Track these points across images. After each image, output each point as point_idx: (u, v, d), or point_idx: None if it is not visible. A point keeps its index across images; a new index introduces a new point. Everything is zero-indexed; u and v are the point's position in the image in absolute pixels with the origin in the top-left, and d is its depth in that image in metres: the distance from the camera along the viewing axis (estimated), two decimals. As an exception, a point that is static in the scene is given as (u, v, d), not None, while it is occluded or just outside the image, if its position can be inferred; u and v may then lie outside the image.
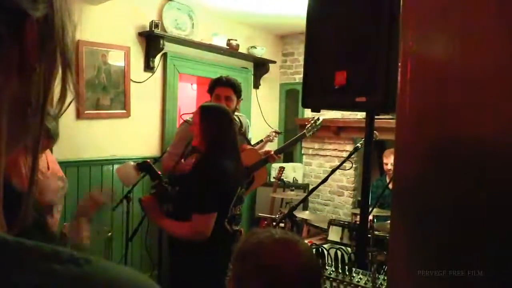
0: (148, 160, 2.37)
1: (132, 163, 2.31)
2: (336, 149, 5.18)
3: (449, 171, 0.94)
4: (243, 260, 1.14)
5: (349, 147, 4.88)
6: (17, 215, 0.38)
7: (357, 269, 1.86)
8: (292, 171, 5.31)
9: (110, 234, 3.17)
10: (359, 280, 1.77)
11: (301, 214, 3.84)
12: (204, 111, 2.29)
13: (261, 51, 5.07)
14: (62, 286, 0.29)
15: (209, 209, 2.15)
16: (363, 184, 2.07)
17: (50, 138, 1.77)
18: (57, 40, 0.37)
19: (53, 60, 0.37)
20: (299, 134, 3.76)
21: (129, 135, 3.92)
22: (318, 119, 3.66)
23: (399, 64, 0.98)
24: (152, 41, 3.97)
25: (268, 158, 3.58)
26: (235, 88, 3.17)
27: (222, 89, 3.16)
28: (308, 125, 3.67)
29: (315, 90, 2.00)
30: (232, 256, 1.18)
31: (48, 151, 2.03)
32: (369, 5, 1.78)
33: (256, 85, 5.30)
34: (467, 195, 0.90)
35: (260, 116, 5.32)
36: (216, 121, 2.25)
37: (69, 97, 0.40)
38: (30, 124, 0.37)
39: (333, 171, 2.63)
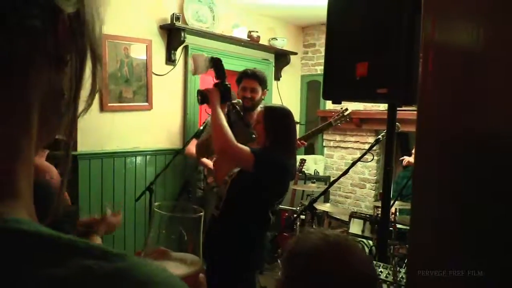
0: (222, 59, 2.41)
1: (207, 56, 2.36)
2: (358, 141, 5.13)
3: (473, 166, 0.92)
4: (294, 262, 1.06)
5: (371, 139, 4.82)
6: (45, 207, 0.39)
7: (378, 262, 1.84)
8: (314, 164, 5.28)
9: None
10: (380, 273, 1.76)
11: (322, 207, 3.83)
12: (268, 112, 2.36)
13: (282, 43, 5.03)
14: (95, 281, 0.29)
15: (256, 160, 2.14)
16: (385, 176, 2.04)
17: None
18: (87, 35, 0.38)
19: (83, 55, 0.38)
20: (324, 123, 3.80)
21: (151, 127, 3.96)
22: (346, 109, 3.67)
23: (421, 54, 0.96)
24: (173, 34, 3.99)
25: None
26: (260, 80, 3.24)
27: (248, 81, 3.26)
28: (335, 115, 3.70)
29: (336, 81, 1.98)
30: (282, 257, 1.12)
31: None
32: (391, -6, 1.74)
33: (277, 77, 5.28)
34: (491, 192, 0.88)
35: (281, 108, 5.30)
36: (280, 122, 2.33)
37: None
38: (64, 116, 0.38)
39: (353, 163, 2.61)
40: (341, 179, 2.85)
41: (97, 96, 0.44)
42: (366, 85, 1.80)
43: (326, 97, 2.12)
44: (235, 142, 2.17)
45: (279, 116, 2.35)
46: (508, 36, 0.86)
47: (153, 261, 0.69)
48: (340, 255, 1.02)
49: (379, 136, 2.68)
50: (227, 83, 2.33)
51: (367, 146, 4.43)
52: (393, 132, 2.00)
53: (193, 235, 0.72)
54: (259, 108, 2.67)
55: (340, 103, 2.19)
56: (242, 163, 2.19)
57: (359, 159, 2.69)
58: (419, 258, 1.02)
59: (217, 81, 2.32)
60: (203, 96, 2.28)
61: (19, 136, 0.35)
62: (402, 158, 4.19)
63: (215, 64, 2.33)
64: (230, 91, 2.33)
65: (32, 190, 0.37)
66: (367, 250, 1.90)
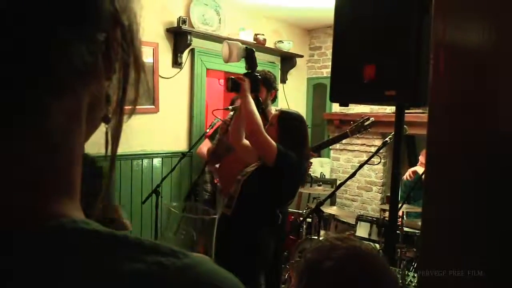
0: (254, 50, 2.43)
1: (242, 45, 2.37)
2: (364, 144, 5.10)
3: (485, 167, 0.91)
4: (317, 276, 0.99)
5: (378, 142, 4.80)
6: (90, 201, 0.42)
7: (386, 266, 1.82)
8: (320, 166, 5.27)
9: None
10: (388, 276, 1.74)
11: (329, 210, 3.82)
12: (283, 116, 2.43)
13: (288, 46, 5.03)
14: (170, 275, 0.33)
15: (280, 154, 2.20)
16: (393, 179, 2.02)
17: None
18: (133, 45, 0.41)
19: (129, 64, 0.41)
20: (340, 133, 3.52)
21: (158, 130, 3.97)
22: (367, 119, 3.14)
23: (431, 56, 0.95)
24: (179, 37, 4.01)
25: None
26: (262, 80, 3.19)
27: None
28: (353, 125, 3.23)
29: (343, 84, 1.97)
30: (299, 265, 1.06)
31: None
32: (399, -4, 1.73)
33: (283, 80, 5.28)
34: (503, 193, 0.87)
35: (287, 111, 5.29)
36: (295, 126, 2.40)
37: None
38: (111, 121, 0.42)
39: (361, 166, 2.59)
40: (347, 182, 2.84)
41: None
42: (374, 87, 1.79)
43: (333, 100, 2.11)
44: (264, 130, 2.24)
45: (294, 120, 2.41)
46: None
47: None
48: (368, 270, 0.98)
49: (387, 139, 2.66)
50: (257, 74, 2.38)
51: (373, 149, 4.41)
52: (401, 134, 1.98)
53: (205, 236, 0.73)
54: (273, 111, 2.71)
55: (348, 106, 2.19)
56: (267, 152, 2.22)
57: (366, 162, 2.67)
58: (431, 259, 1.01)
59: (248, 71, 2.38)
60: (235, 84, 2.32)
61: (75, 138, 0.38)
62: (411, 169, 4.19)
63: (249, 54, 2.37)
64: (259, 82, 2.39)
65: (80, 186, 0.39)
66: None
